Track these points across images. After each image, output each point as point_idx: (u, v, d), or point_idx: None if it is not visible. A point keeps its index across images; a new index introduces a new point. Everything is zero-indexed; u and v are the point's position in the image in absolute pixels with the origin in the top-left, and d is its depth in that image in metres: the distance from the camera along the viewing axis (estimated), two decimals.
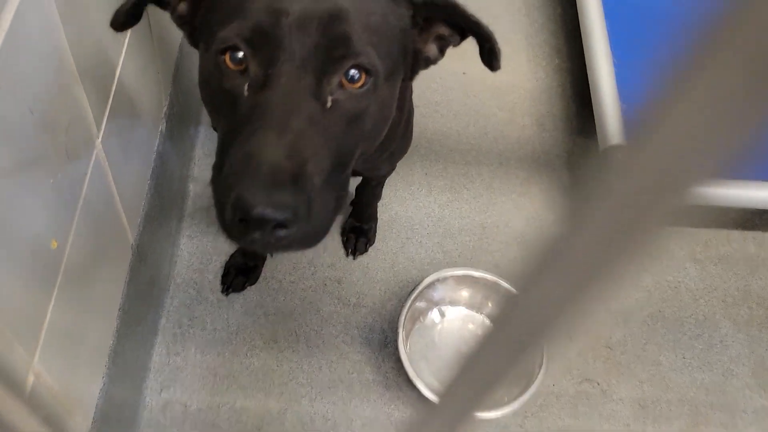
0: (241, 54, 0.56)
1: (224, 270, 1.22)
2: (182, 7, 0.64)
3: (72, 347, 0.78)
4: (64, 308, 0.72)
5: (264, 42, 0.55)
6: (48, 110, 0.63)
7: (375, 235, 1.29)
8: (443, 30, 0.67)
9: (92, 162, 0.77)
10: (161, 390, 1.12)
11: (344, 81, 0.58)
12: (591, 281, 0.13)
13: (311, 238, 0.57)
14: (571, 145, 1.45)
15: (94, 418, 0.85)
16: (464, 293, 1.24)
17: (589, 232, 0.13)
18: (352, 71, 0.58)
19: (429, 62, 0.69)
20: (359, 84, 0.58)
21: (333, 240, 1.29)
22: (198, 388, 1.13)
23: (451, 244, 1.31)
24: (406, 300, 1.17)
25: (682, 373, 1.21)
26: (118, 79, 0.84)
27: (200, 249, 1.24)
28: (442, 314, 1.24)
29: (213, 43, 0.57)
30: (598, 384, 1.19)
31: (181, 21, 0.65)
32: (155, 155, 1.04)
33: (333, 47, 0.56)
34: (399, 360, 1.13)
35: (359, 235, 1.26)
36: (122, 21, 0.63)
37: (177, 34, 1.17)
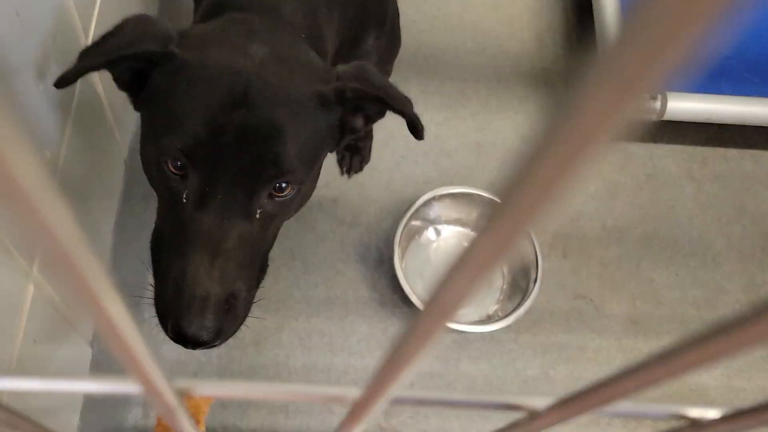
0: (180, 163, 0.59)
1: None
2: (123, 75, 0.64)
3: None
4: None
5: (203, 157, 0.58)
6: (34, 14, 0.60)
7: (370, 154, 1.27)
8: (370, 110, 0.70)
9: None
10: None
11: (272, 192, 0.62)
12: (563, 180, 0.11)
13: (237, 329, 0.66)
14: (571, 61, 1.42)
15: (94, 334, 0.85)
16: (460, 211, 1.23)
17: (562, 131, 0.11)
18: (282, 184, 0.62)
19: (355, 131, 0.72)
20: (286, 192, 0.63)
21: (328, 158, 1.27)
22: None
23: (447, 162, 1.30)
24: (401, 218, 1.17)
25: (675, 290, 1.23)
26: None
27: None
28: (438, 233, 1.24)
29: (156, 144, 0.60)
30: (591, 300, 1.21)
31: (122, 86, 0.66)
32: None
33: (266, 167, 0.60)
34: (395, 278, 1.14)
35: (354, 153, 1.25)
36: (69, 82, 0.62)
37: None
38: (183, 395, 0.22)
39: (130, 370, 0.18)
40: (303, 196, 0.69)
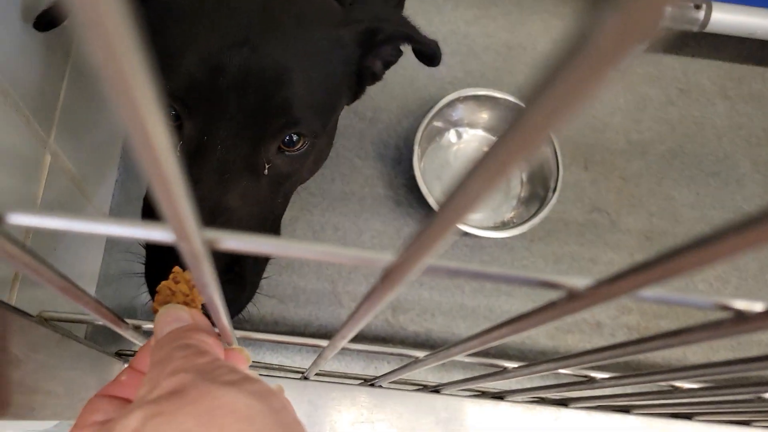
0: (174, 111, 0.51)
1: None
2: None
3: (87, 133, 0.76)
4: (75, 90, 0.69)
5: (199, 103, 0.50)
6: None
7: None
8: (389, 52, 0.63)
9: None
10: None
11: (282, 146, 0.54)
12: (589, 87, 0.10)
13: (244, 306, 0.57)
14: None
15: (110, 210, 0.85)
16: (484, 115, 1.20)
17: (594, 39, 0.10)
18: (293, 136, 0.54)
19: (375, 78, 0.64)
20: (298, 146, 0.55)
21: None
22: None
23: (474, 63, 1.26)
24: (423, 117, 1.14)
25: (693, 209, 1.22)
26: None
27: None
28: (459, 135, 1.22)
29: None
30: (608, 214, 1.20)
31: None
32: None
33: (272, 115, 0.51)
34: (412, 177, 1.13)
35: None
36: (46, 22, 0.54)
37: None
38: (210, 245, 0.21)
39: (165, 207, 0.17)
40: (318, 154, 0.61)
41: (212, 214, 0.51)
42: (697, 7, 1.11)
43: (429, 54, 0.64)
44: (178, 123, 0.52)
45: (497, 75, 1.25)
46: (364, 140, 1.19)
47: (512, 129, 0.13)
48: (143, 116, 0.13)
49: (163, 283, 0.40)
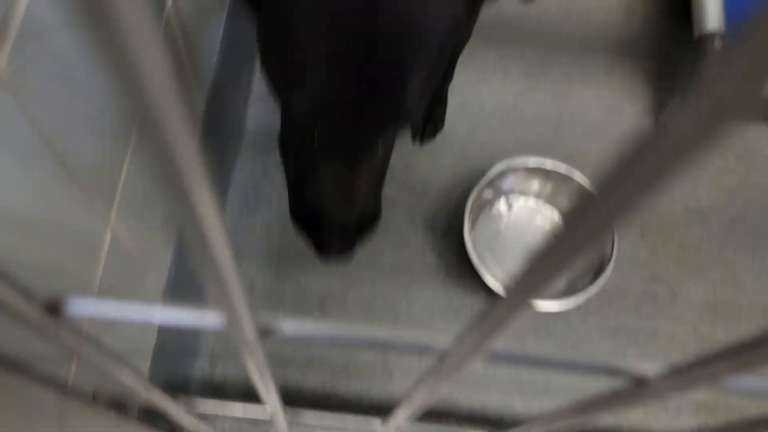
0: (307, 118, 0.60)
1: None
2: None
3: (146, 208, 0.78)
4: (139, 165, 0.72)
5: (330, 110, 0.57)
6: None
7: (444, 121, 1.24)
8: None
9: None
10: None
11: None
12: (672, 176, 0.09)
13: (372, 234, 0.76)
14: (661, 32, 1.35)
15: (166, 282, 0.87)
16: (534, 185, 1.19)
17: (677, 128, 0.09)
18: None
19: None
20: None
21: None
22: (263, 264, 1.14)
23: (524, 132, 1.26)
24: (473, 188, 1.14)
25: (758, 278, 1.16)
26: None
27: (267, 125, 1.23)
28: (510, 205, 1.21)
29: (283, 92, 0.60)
30: (668, 284, 1.16)
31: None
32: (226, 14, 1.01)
33: (389, 114, 0.58)
34: (462, 248, 1.12)
35: (428, 120, 1.22)
36: None
37: None
38: (263, 332, 0.21)
39: (216, 293, 0.17)
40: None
41: (346, 195, 0.66)
42: None
43: None
44: (312, 123, 0.60)
45: (547, 144, 1.25)
46: (413, 211, 1.19)
47: (582, 216, 0.12)
48: (198, 211, 0.13)
49: None
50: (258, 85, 1.25)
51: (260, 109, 1.24)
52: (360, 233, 0.73)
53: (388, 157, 0.72)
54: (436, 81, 0.61)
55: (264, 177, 1.20)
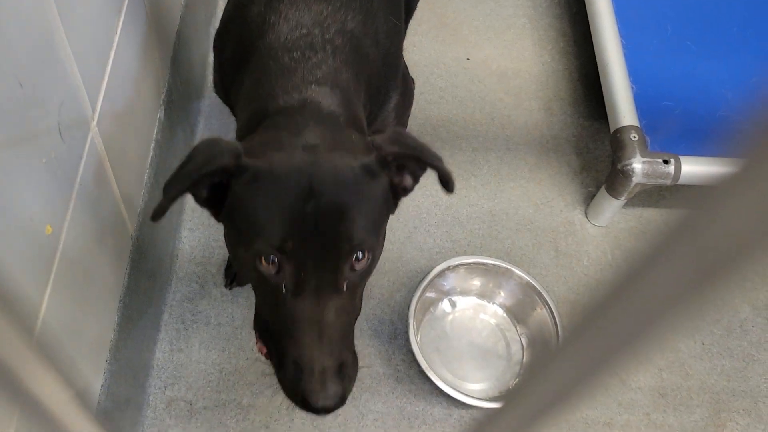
0: (275, 259, 0.66)
1: (227, 263, 1.18)
2: (203, 192, 0.71)
3: (71, 341, 0.74)
4: (61, 299, 0.68)
5: (292, 250, 0.65)
6: (39, 85, 0.60)
7: None
8: (413, 168, 0.76)
9: (87, 145, 0.73)
10: (165, 388, 1.08)
11: (352, 264, 0.68)
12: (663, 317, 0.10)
13: (352, 388, 0.72)
14: (580, 128, 1.42)
15: (95, 417, 0.81)
16: (475, 282, 1.20)
17: (668, 269, 0.10)
18: (359, 254, 0.68)
19: (407, 191, 0.78)
20: (363, 261, 0.69)
21: None
22: (203, 385, 1.09)
23: (459, 232, 1.27)
24: (415, 290, 1.13)
25: (702, 360, 1.18)
26: (113, 60, 0.81)
27: (202, 242, 1.21)
28: (453, 304, 1.20)
29: (250, 247, 0.67)
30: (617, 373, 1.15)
31: (203, 203, 0.72)
32: (154, 143, 1.00)
33: (343, 244, 0.66)
34: (410, 352, 1.10)
35: None
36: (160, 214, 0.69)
37: (174, 21, 1.14)
38: None
39: None
40: (374, 260, 0.75)
41: (320, 334, 0.66)
42: (666, 162, 1.15)
43: (441, 176, 0.74)
44: (278, 267, 0.66)
45: (483, 242, 1.27)
46: (358, 319, 1.17)
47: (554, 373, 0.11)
48: None
49: None
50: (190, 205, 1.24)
51: (195, 225, 1.22)
52: (343, 381, 0.69)
53: (357, 304, 0.74)
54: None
55: (201, 293, 1.16)
